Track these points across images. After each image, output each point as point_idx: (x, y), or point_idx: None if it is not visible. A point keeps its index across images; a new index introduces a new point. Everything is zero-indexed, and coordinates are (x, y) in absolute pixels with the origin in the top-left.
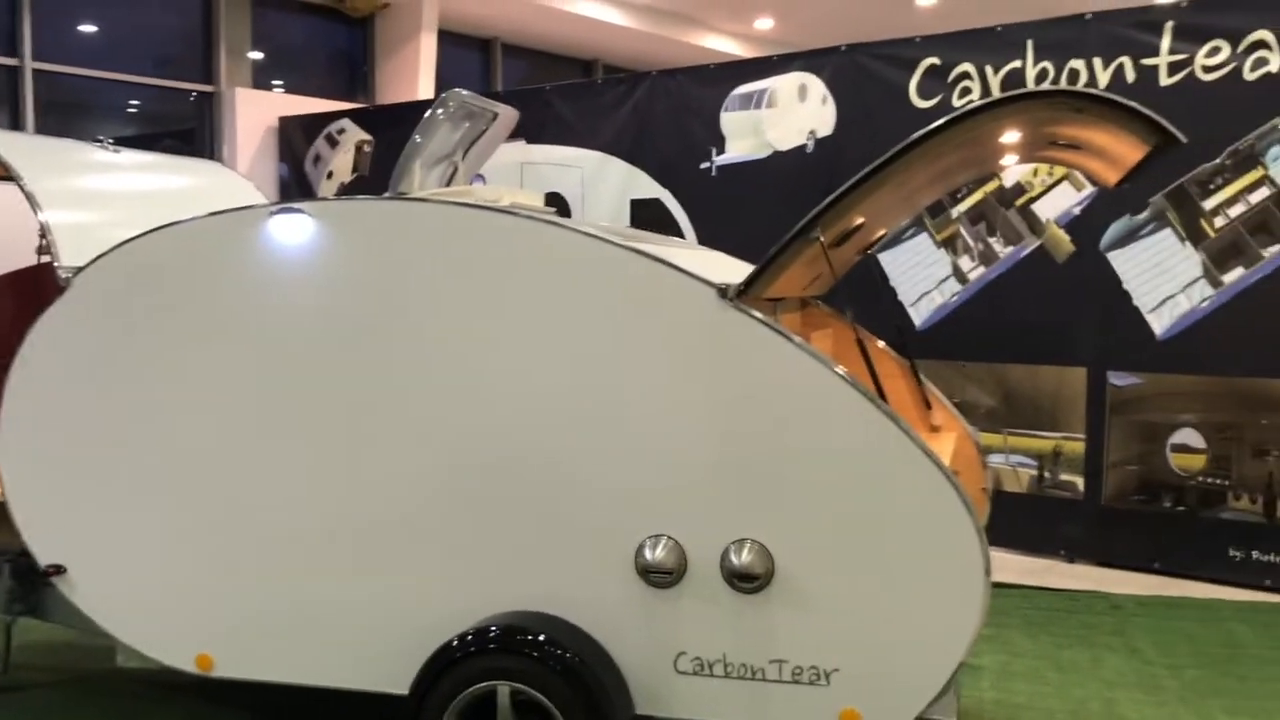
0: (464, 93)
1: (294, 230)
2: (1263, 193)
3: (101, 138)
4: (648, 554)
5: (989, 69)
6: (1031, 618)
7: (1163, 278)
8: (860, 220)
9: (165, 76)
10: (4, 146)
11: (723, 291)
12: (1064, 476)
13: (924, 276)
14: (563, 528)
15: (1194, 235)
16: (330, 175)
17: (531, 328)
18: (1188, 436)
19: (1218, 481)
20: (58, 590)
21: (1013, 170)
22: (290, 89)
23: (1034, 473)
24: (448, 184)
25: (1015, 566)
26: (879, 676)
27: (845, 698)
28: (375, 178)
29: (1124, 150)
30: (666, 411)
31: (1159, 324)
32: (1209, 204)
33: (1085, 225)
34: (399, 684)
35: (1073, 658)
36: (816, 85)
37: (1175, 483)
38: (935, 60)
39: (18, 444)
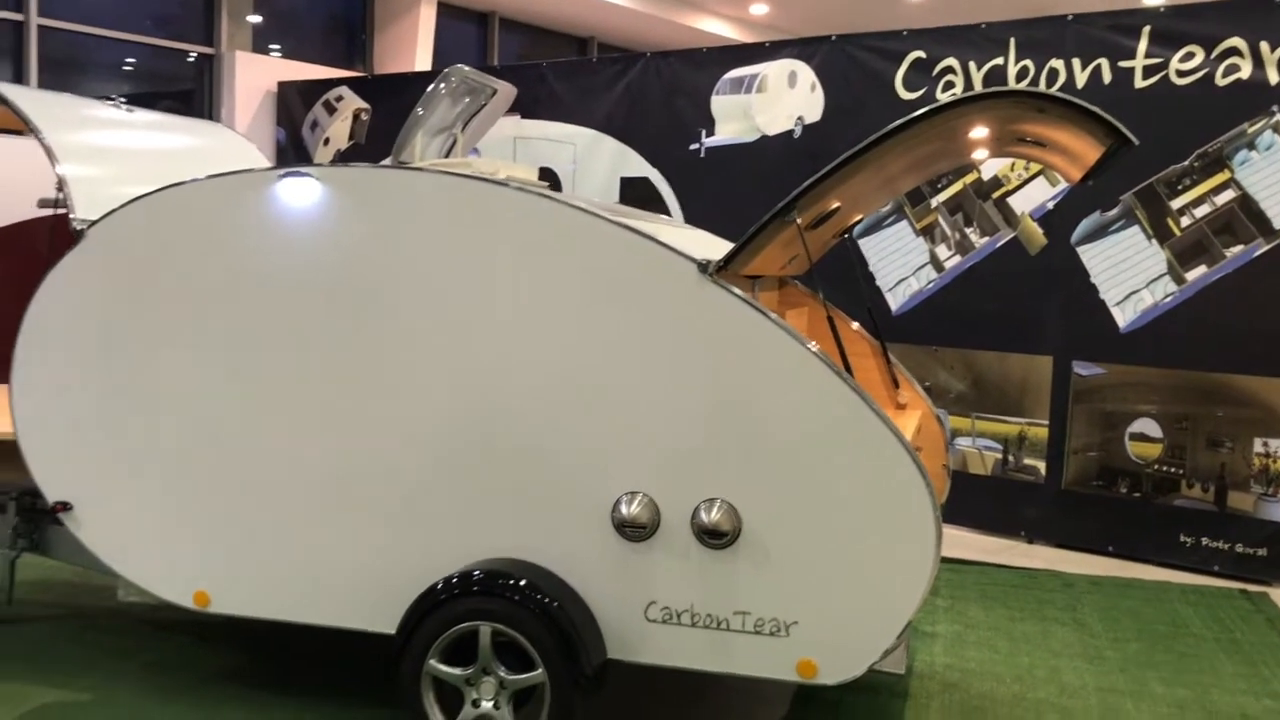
0: (465, 68)
1: (301, 192)
2: (1228, 195)
3: (114, 96)
4: (623, 509)
5: (972, 64)
6: (988, 592)
7: (1129, 273)
8: (836, 204)
9: (166, 37)
10: (23, 100)
11: (703, 267)
12: (1027, 461)
13: (902, 263)
14: (544, 482)
15: (1160, 233)
16: (327, 142)
17: (522, 295)
18: (1146, 426)
19: (1172, 470)
20: (60, 528)
21: (990, 164)
22: (288, 54)
23: (999, 456)
24: (446, 155)
25: (976, 545)
26: (835, 630)
27: (803, 648)
28: (372, 146)
29: (1083, 149)
30: (645, 377)
31: (1123, 317)
32: (1176, 204)
33: (1058, 220)
34: (387, 623)
35: (1023, 629)
36: (806, 73)
37: (1132, 470)
38: (921, 54)
39: (30, 385)
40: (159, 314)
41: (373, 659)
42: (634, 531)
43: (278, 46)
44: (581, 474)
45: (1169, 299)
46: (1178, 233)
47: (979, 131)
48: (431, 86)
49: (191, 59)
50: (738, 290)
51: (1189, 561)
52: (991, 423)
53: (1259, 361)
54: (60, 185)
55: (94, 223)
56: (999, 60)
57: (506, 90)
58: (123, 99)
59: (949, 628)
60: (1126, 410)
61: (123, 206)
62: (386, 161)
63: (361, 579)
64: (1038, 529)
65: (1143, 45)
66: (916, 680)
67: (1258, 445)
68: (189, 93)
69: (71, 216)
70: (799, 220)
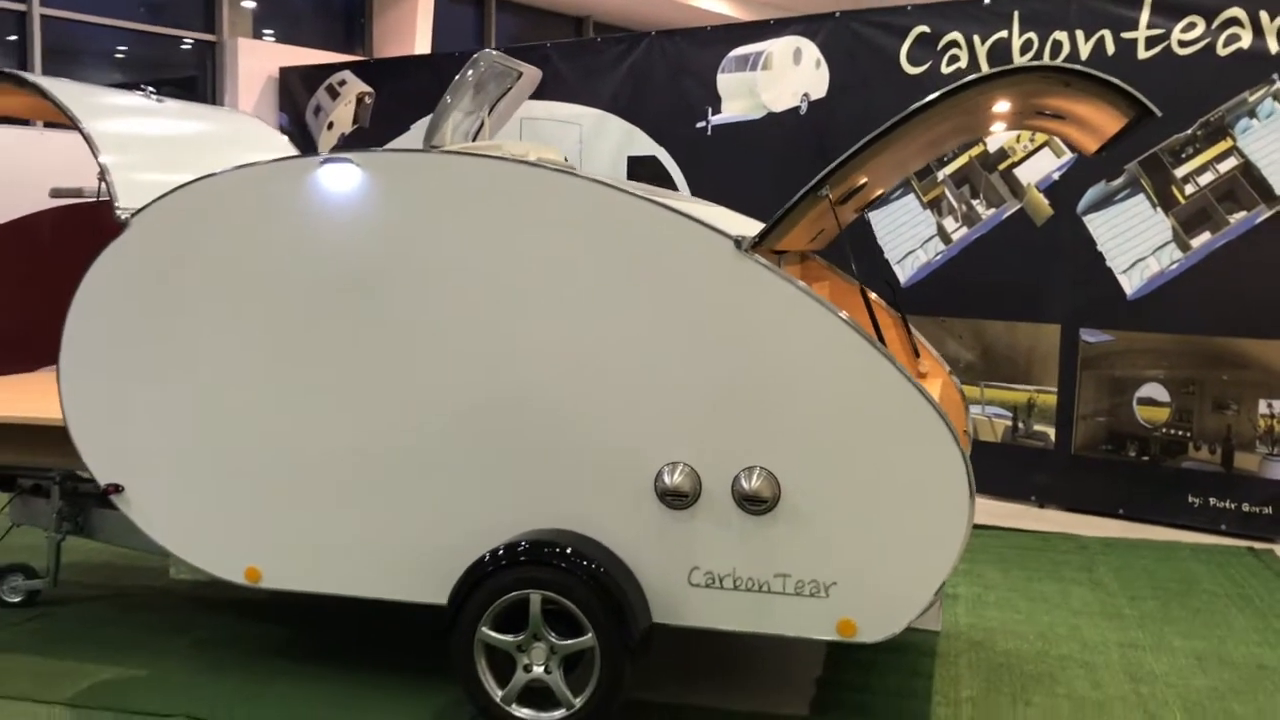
0: (494, 52)
1: (341, 178)
2: (1231, 162)
3: (146, 86)
4: (666, 479)
5: (976, 39)
6: (1004, 555)
7: (1135, 241)
8: (864, 180)
9: (164, 24)
10: (61, 91)
11: (738, 242)
12: (1037, 427)
13: (910, 236)
14: (589, 454)
15: (1165, 201)
16: (331, 126)
17: (562, 273)
18: (1153, 391)
19: (1180, 433)
20: (103, 511)
21: (997, 136)
22: (287, 39)
23: (1008, 423)
24: (473, 139)
25: (988, 510)
26: (874, 589)
27: (843, 608)
28: (376, 130)
29: (1104, 121)
30: (684, 351)
31: (1130, 284)
32: (1180, 172)
33: (1064, 190)
34: (437, 594)
35: (1041, 590)
36: (811, 49)
37: (1140, 434)
38: (925, 29)
39: (79, 371)
40: (204, 298)
41: (414, 630)
42: (676, 500)
43: (270, 31)
44: (624, 446)
45: (1175, 266)
46: (1182, 200)
47: (1002, 106)
48: (461, 73)
49: (186, 46)
50: (773, 264)
51: (1197, 521)
52: (1001, 390)
53: (1263, 325)
54: (102, 175)
55: (138, 211)
56: (1003, 34)
57: (532, 73)
58: (152, 89)
59: (969, 590)
60: (1134, 375)
61: (166, 195)
62: (413, 146)
63: (412, 552)
64: (1048, 493)
65: (1145, 16)
66: (943, 640)
67: (1262, 407)
68: (192, 80)
69: (116, 206)
70: (830, 195)
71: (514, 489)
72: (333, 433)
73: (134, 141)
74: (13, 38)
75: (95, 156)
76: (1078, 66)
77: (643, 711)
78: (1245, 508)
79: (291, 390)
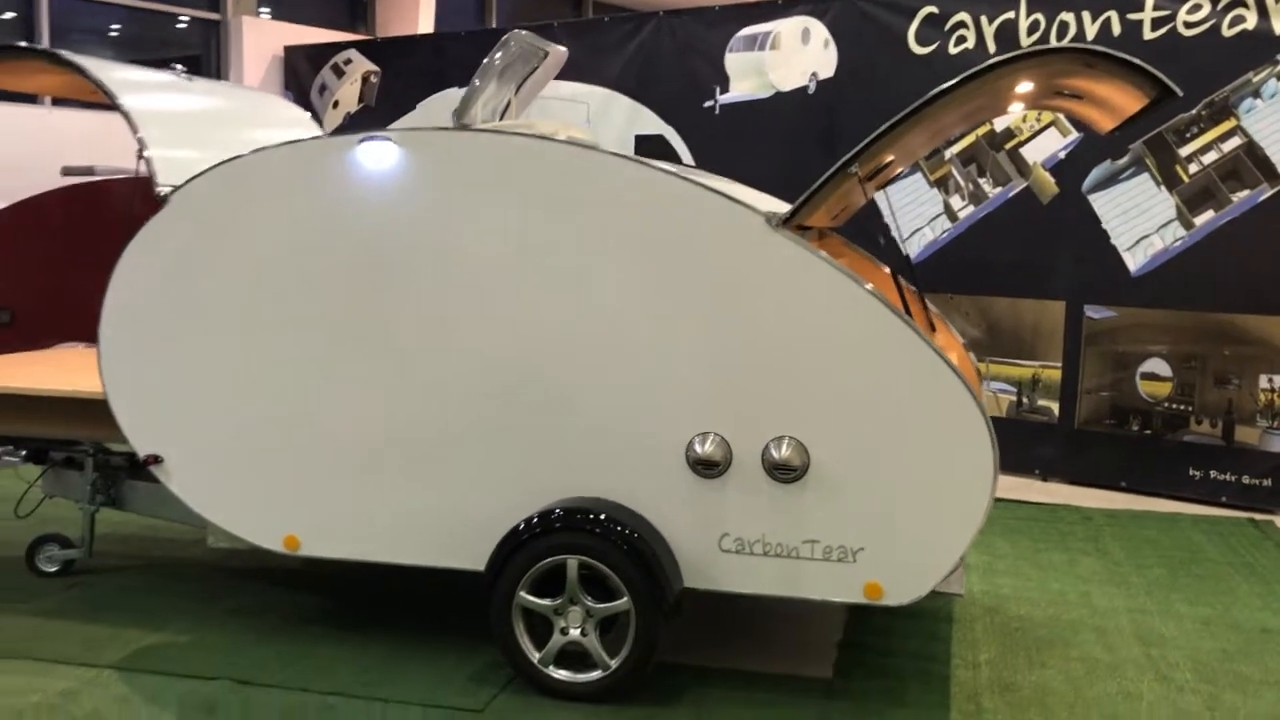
0: (523, 32)
1: (378, 156)
2: (1234, 142)
3: (175, 65)
4: (697, 448)
5: (984, 19)
6: (1011, 526)
7: (1139, 219)
8: (890, 158)
9: (169, 2)
10: (98, 70)
11: (769, 219)
12: (1041, 402)
13: (917, 214)
14: (622, 424)
15: (1169, 180)
16: (336, 105)
17: (597, 248)
18: (1156, 366)
19: (1182, 407)
20: (135, 483)
21: (1003, 116)
22: (288, 17)
23: (1013, 398)
24: (500, 117)
25: None
26: (900, 554)
27: (870, 572)
28: (382, 109)
29: (1124, 101)
30: (715, 324)
31: (1134, 261)
32: (1185, 151)
33: (1069, 169)
34: (475, 561)
35: (1050, 559)
36: (819, 29)
37: (1143, 408)
38: (933, 9)
39: (119, 345)
40: (243, 272)
41: (442, 596)
42: (707, 469)
43: (266, 9)
44: (656, 416)
45: (1178, 243)
46: (1186, 179)
47: (1025, 86)
48: (490, 54)
49: (182, 24)
50: (802, 240)
51: (1198, 494)
52: (1005, 366)
53: (1265, 302)
54: (140, 152)
55: (177, 188)
56: (1010, 15)
57: (558, 53)
58: (181, 67)
59: (979, 559)
60: (1137, 351)
61: (205, 171)
62: (425, 124)
63: (450, 519)
64: (1052, 467)
65: None
66: (958, 605)
67: (1263, 381)
68: (195, 59)
69: (155, 183)
70: (860, 173)
71: (549, 458)
72: (371, 402)
73: (169, 119)
74: (9, 15)
75: (134, 133)
76: (1102, 48)
77: (671, 674)
78: (1246, 480)
79: (330, 361)
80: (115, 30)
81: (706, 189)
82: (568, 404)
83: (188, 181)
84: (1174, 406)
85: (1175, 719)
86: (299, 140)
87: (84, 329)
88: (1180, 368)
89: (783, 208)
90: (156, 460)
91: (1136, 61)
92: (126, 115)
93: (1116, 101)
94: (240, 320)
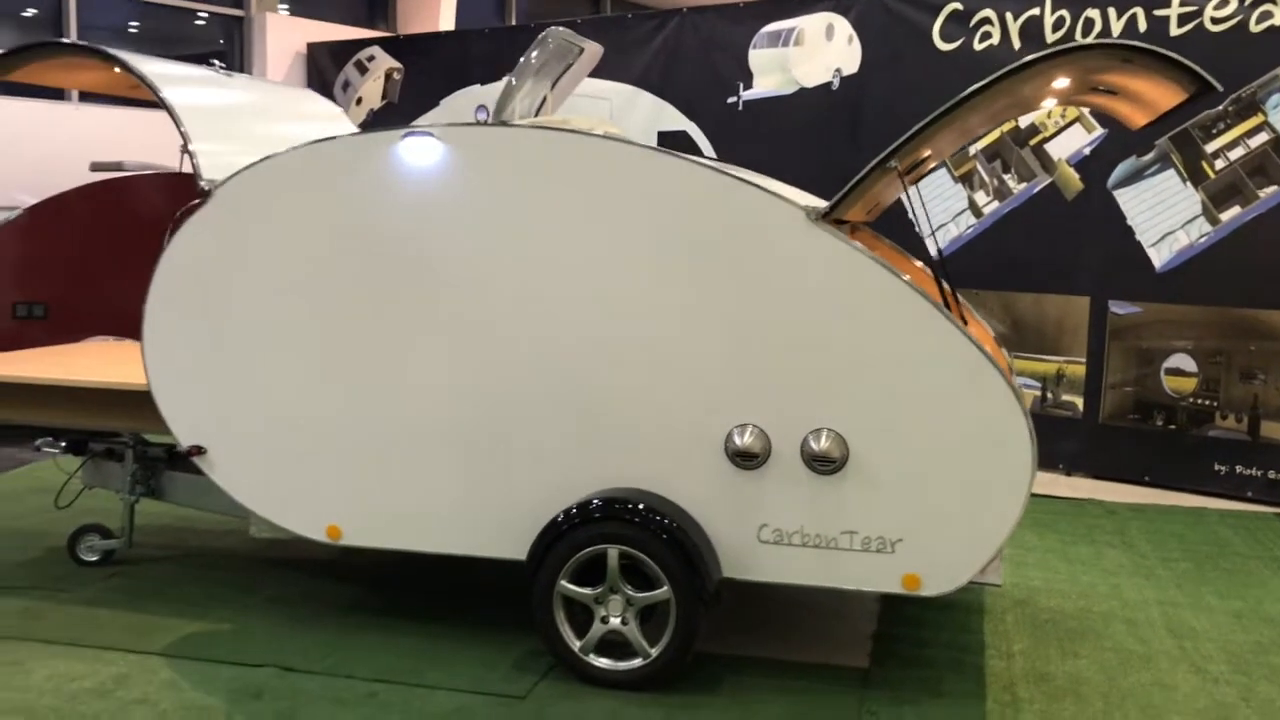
0: (561, 29)
1: (421, 151)
2: (1261, 138)
3: (213, 61)
4: (736, 440)
5: (1009, 15)
6: (1038, 519)
7: (1164, 215)
8: (927, 153)
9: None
10: (144, 67)
11: (809, 213)
12: (1065, 397)
13: (942, 209)
14: (662, 416)
15: (1195, 176)
16: (359, 101)
17: (639, 241)
18: (1181, 361)
19: (1206, 402)
20: (174, 474)
21: (1033, 112)
22: (307, 14)
23: (1037, 393)
24: (536, 113)
25: None
26: (939, 545)
27: (908, 563)
28: (405, 105)
29: (1160, 96)
30: (755, 316)
31: (1159, 257)
32: (1210, 147)
33: (1094, 165)
34: (516, 550)
35: (1077, 552)
36: (843, 25)
37: (1167, 403)
38: (958, 6)
39: (162, 337)
40: (287, 265)
41: (477, 585)
42: (746, 460)
43: (285, 6)
44: (696, 409)
45: (1204, 239)
46: (1212, 175)
47: (1061, 82)
48: (527, 52)
49: (201, 21)
50: (842, 234)
51: (1223, 488)
52: (1029, 361)
53: None
54: (185, 146)
55: (222, 183)
56: (1035, 11)
57: (593, 49)
58: (220, 64)
59: (1008, 551)
60: (1162, 346)
61: (249, 167)
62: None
63: (491, 509)
64: (1076, 461)
65: None
66: (988, 597)
67: None
68: (218, 55)
69: (200, 178)
70: (899, 167)
71: (590, 449)
72: (414, 394)
73: (211, 114)
74: (31, 12)
75: (178, 128)
76: (1142, 44)
77: (707, 663)
78: (1271, 475)
79: (373, 352)
80: (134, 27)
81: (748, 184)
82: (609, 396)
83: (231, 176)
84: (1199, 402)
85: (1211, 710)
86: (343, 136)
87: (115, 323)
88: (1205, 363)
89: (815, 202)
90: (199, 451)
91: (1176, 57)
92: (171, 110)
93: (1152, 97)
94: (283, 313)
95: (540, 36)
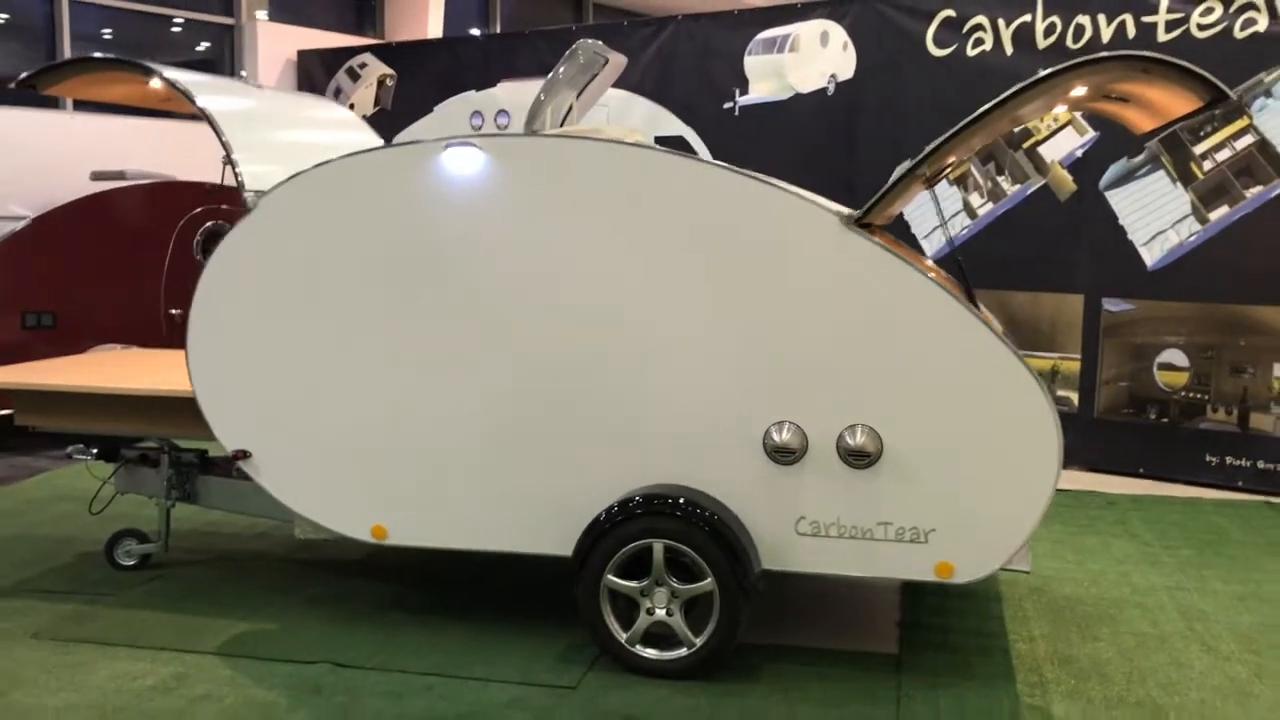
0: (591, 41)
1: (462, 161)
2: (1247, 140)
3: (241, 72)
4: (774, 436)
5: (1001, 22)
6: None
7: (1155, 215)
8: (952, 159)
9: (181, 7)
10: (181, 79)
11: (844, 218)
12: (1061, 392)
13: (937, 211)
14: (703, 414)
15: (1184, 177)
16: (351, 108)
17: (678, 246)
18: (1173, 356)
19: (1198, 396)
20: (209, 479)
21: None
22: (295, 21)
23: None
24: (562, 122)
25: None
26: (970, 534)
27: (941, 552)
28: (397, 112)
29: (1172, 104)
30: (792, 317)
31: (1150, 256)
32: (1199, 149)
33: (1086, 166)
34: (561, 546)
35: (1083, 542)
36: (838, 32)
37: (1160, 397)
38: (951, 12)
39: (207, 345)
40: (330, 272)
41: (512, 581)
42: (784, 456)
43: (263, 12)
44: (736, 406)
45: (1193, 238)
46: (1200, 176)
47: (1078, 90)
48: (558, 65)
49: (177, 28)
50: (874, 238)
51: (1215, 479)
52: (1025, 358)
53: (1278, 292)
54: (228, 153)
55: (266, 193)
56: (1027, 17)
57: (617, 59)
58: (245, 74)
59: None
60: (1154, 342)
61: (294, 177)
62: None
63: (536, 507)
64: (1071, 455)
65: (1165, 0)
66: (1004, 586)
67: (1277, 370)
68: (208, 63)
69: (244, 188)
70: (927, 174)
71: (633, 446)
72: (458, 395)
73: (250, 124)
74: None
75: (220, 139)
76: (1162, 55)
77: (745, 652)
78: (1260, 465)
79: (417, 355)
80: (108, 34)
81: (785, 190)
82: (652, 396)
83: (275, 188)
84: (1191, 395)
85: (1226, 686)
86: (384, 146)
87: (118, 331)
88: (1197, 358)
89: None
90: (245, 455)
91: (1194, 68)
92: (212, 122)
93: (1164, 105)
94: (326, 320)
95: (570, 50)
